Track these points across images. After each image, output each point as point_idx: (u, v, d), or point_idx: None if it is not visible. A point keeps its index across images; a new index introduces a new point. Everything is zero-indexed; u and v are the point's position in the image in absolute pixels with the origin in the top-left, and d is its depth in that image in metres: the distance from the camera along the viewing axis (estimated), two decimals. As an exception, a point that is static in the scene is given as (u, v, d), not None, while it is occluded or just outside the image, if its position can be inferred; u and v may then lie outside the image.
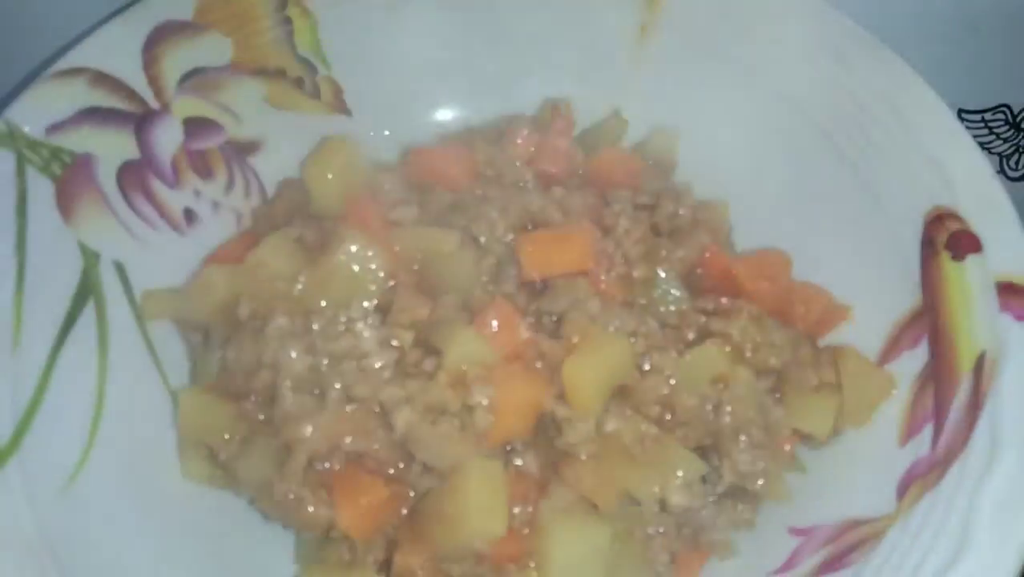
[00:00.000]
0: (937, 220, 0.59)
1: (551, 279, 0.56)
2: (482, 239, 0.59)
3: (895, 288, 0.60)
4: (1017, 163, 0.89)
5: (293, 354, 0.54)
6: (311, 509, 0.52)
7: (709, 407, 0.54)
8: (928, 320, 0.58)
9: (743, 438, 0.54)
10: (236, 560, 0.58)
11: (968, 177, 0.59)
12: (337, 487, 0.52)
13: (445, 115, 0.78)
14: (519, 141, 0.65)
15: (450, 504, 0.50)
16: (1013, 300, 0.54)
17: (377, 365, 0.53)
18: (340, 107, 0.76)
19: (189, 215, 0.69)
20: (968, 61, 0.84)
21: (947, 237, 0.58)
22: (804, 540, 0.55)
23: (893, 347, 0.59)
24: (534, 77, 0.76)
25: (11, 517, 0.49)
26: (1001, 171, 0.89)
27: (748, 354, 0.56)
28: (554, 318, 0.55)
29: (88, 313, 0.62)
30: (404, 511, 0.54)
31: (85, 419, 0.57)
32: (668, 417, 0.54)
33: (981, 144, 0.87)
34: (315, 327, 0.55)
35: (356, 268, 0.57)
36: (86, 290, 0.62)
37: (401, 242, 0.59)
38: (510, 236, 0.59)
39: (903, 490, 0.52)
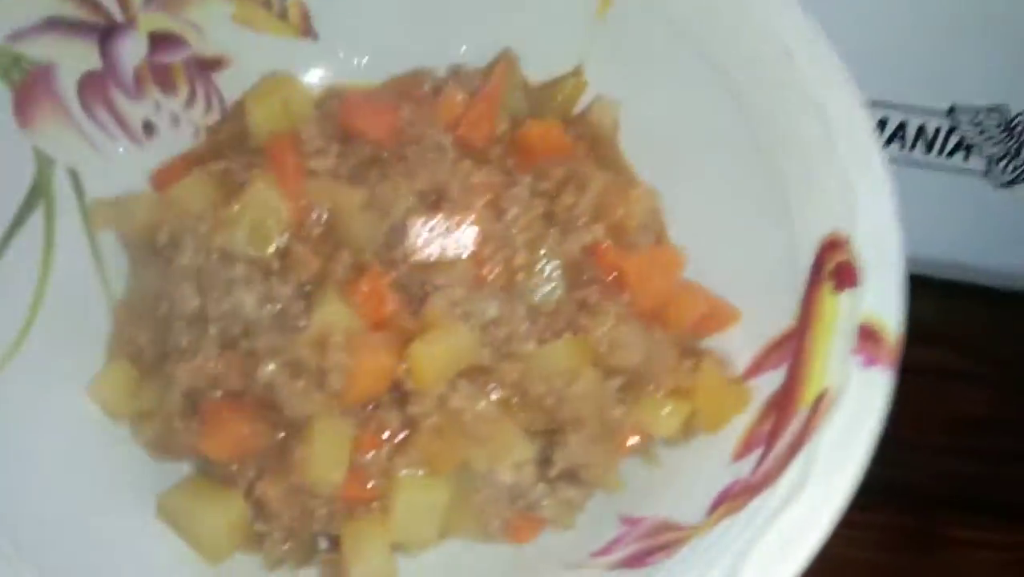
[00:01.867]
0: (831, 246, 0.59)
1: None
2: (386, 203, 0.61)
3: (780, 305, 0.61)
4: (1006, 167, 0.85)
5: (186, 292, 0.59)
6: (182, 437, 0.59)
7: (552, 398, 0.57)
8: (795, 345, 0.59)
9: (578, 432, 0.57)
10: (150, 466, 0.65)
11: (870, 208, 0.58)
12: (206, 418, 0.58)
13: (411, 48, 0.78)
14: (448, 100, 0.66)
15: (299, 450, 0.56)
16: (868, 345, 0.54)
17: (255, 315, 0.58)
18: (307, 30, 0.77)
19: (148, 127, 0.73)
20: (969, 57, 0.79)
21: (834, 266, 0.58)
22: (627, 530, 0.59)
23: (760, 364, 0.61)
24: (498, 24, 0.76)
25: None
26: (988, 172, 0.85)
27: (604, 352, 0.58)
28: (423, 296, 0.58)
29: (37, 216, 0.67)
30: (278, 438, 0.60)
31: (19, 318, 0.64)
32: (515, 400, 0.58)
33: (969, 145, 0.84)
34: (209, 268, 0.59)
35: (259, 215, 0.61)
36: (37, 193, 0.68)
37: (309, 193, 0.62)
38: (411, 202, 0.61)
39: (714, 507, 0.55)
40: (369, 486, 0.58)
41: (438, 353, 0.55)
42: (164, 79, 0.74)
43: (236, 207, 0.61)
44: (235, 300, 0.58)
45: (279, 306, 0.59)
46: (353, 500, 0.59)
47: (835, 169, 0.60)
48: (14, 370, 0.62)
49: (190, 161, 0.70)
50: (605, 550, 0.58)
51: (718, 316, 0.64)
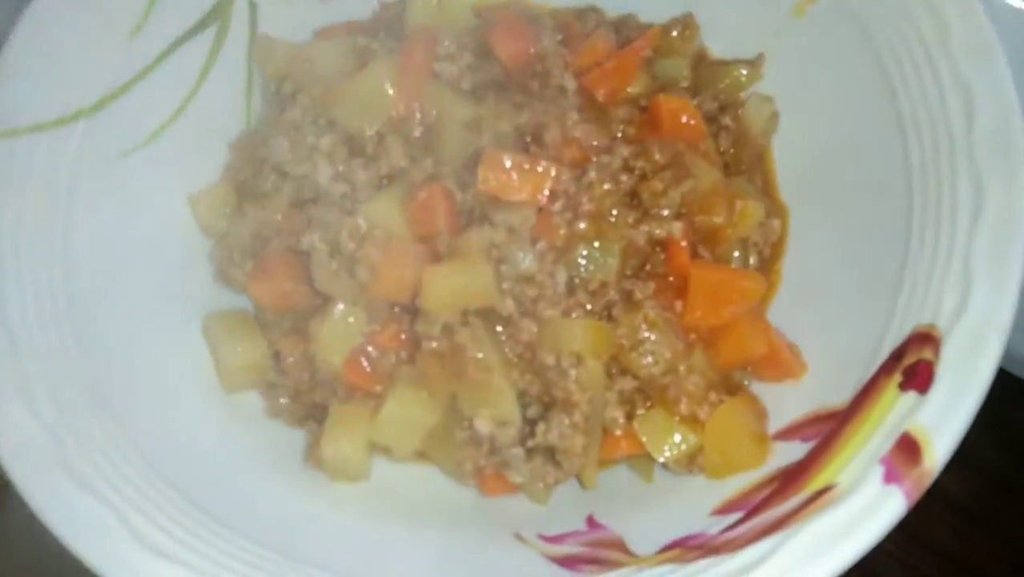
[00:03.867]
0: (921, 339, 0.51)
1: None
2: (484, 126, 0.60)
3: (845, 379, 0.54)
4: None
5: (281, 144, 0.62)
6: (237, 273, 0.63)
7: (554, 372, 0.55)
8: (834, 427, 0.52)
9: (566, 415, 0.55)
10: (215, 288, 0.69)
11: (980, 314, 0.49)
12: (260, 263, 0.62)
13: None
14: (592, 46, 0.63)
15: (314, 328, 0.59)
16: (900, 457, 0.47)
17: (325, 186, 0.60)
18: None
19: (332, -14, 0.76)
20: None
21: (914, 361, 0.50)
22: (586, 530, 0.56)
23: (796, 430, 0.55)
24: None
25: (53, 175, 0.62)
26: None
27: (623, 350, 0.55)
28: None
29: (209, 32, 0.72)
30: (316, 303, 0.63)
31: (166, 114, 0.70)
32: (520, 359, 0.56)
33: None
34: (304, 128, 0.62)
35: (368, 96, 0.62)
36: (216, 14, 0.73)
37: (423, 93, 0.62)
38: (506, 132, 0.60)
39: (667, 547, 0.51)
40: (371, 380, 0.60)
41: (450, 284, 0.54)
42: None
43: (354, 82, 0.62)
44: (312, 166, 0.60)
45: (350, 186, 0.60)
46: (353, 387, 0.60)
47: (964, 265, 0.51)
48: (142, 158, 0.68)
49: (351, 30, 0.72)
50: (556, 539, 0.56)
51: (779, 364, 0.58)
